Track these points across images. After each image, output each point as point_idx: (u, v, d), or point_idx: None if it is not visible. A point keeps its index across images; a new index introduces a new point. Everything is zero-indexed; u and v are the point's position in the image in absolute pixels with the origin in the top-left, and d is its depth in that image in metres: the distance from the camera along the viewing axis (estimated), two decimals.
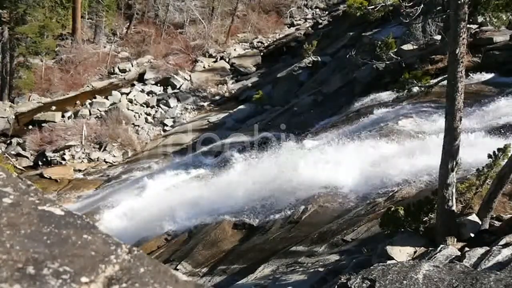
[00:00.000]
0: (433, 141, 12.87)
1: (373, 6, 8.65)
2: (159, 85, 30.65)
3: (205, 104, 29.94)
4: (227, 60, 33.92)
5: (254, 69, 33.50)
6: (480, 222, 8.12)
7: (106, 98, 28.96)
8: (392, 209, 8.63)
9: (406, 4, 8.30)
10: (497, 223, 8.42)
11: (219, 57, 34.08)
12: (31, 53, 27.70)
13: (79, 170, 23.72)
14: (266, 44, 36.93)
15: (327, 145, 16.44)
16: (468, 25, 9.35)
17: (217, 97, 30.52)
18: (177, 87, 30.47)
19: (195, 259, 12.76)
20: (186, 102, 29.66)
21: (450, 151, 7.69)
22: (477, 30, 20.79)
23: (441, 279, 5.67)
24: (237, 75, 32.81)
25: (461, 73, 7.34)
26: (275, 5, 41.67)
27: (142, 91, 30.09)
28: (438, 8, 19.56)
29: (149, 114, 28.57)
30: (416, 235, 8.35)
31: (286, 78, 28.80)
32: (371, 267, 6.35)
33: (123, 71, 31.58)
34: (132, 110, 28.48)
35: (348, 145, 15.70)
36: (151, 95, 29.89)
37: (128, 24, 36.02)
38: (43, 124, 26.13)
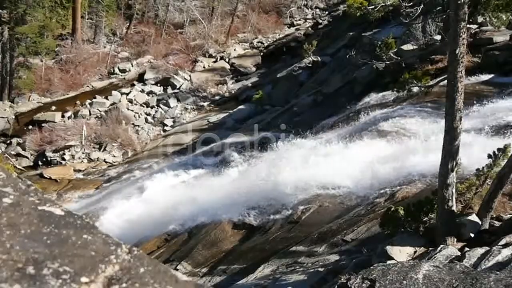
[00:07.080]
0: (433, 141, 12.86)
1: (373, 6, 8.65)
2: (159, 85, 30.64)
3: (205, 104, 29.93)
4: (227, 60, 33.91)
5: (254, 69, 33.50)
6: (480, 222, 8.12)
7: (106, 98, 28.96)
8: (392, 209, 8.62)
9: (406, 4, 8.29)
10: (497, 223, 8.42)
11: (219, 57, 34.07)
12: (31, 53, 27.71)
13: (79, 170, 23.72)
14: (266, 44, 36.93)
15: (326, 145, 16.45)
16: (468, 25, 9.34)
17: (217, 97, 30.52)
18: (177, 87, 30.46)
19: (195, 259, 12.77)
20: (186, 102, 29.65)
21: (450, 151, 7.69)
22: (477, 30, 20.77)
23: (441, 279, 5.67)
24: (237, 75, 32.80)
25: (461, 73, 7.34)
26: (275, 5, 41.68)
27: (142, 91, 30.09)
28: (438, 8, 19.55)
29: (149, 114, 28.57)
30: (416, 235, 8.35)
31: (286, 78, 28.79)
32: (371, 267, 6.35)
33: (123, 71, 31.57)
34: (132, 110, 28.48)
35: (348, 145, 15.71)
36: (151, 95, 29.89)
37: (128, 24, 36.02)
38: (43, 124, 26.12)
